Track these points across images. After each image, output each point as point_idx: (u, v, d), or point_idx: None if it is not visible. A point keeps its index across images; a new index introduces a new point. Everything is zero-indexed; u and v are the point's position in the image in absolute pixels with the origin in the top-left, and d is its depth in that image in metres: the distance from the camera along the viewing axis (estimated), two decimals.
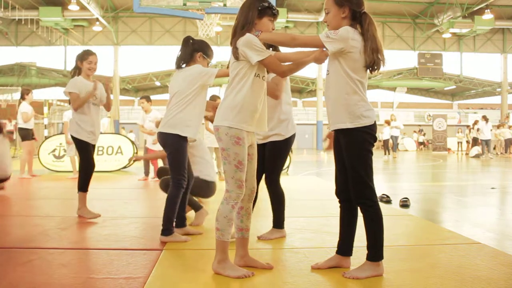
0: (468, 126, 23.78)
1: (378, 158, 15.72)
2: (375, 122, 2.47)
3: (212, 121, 3.01)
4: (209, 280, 2.41)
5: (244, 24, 2.49)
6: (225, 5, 6.72)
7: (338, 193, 2.59)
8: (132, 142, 10.28)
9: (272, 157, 3.26)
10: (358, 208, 2.52)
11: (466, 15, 23.94)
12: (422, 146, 28.11)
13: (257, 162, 2.64)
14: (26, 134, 8.06)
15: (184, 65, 3.30)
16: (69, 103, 4.15)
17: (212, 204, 4.54)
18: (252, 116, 2.47)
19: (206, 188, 4.38)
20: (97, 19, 24.55)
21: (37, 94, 8.68)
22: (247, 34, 2.45)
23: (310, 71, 28.87)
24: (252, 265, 2.57)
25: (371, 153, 2.46)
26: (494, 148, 19.78)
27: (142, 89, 32.58)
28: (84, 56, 4.13)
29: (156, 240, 3.23)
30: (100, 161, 9.57)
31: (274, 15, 2.54)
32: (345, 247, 2.58)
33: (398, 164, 13.44)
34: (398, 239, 3.36)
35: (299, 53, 2.54)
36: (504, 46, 30.25)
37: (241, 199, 2.50)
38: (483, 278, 2.40)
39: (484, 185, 7.46)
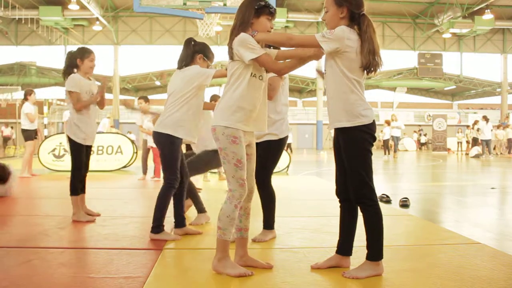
0: (468, 126, 23.80)
1: (378, 158, 15.73)
2: (374, 121, 2.46)
3: None
4: (208, 279, 2.40)
5: (241, 23, 2.49)
6: (225, 4, 6.72)
7: (338, 192, 2.59)
8: (132, 142, 10.28)
9: (264, 157, 3.23)
10: (358, 207, 2.52)
11: (466, 15, 23.95)
12: (423, 146, 28.12)
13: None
14: (30, 135, 8.08)
15: (184, 66, 3.32)
16: (71, 101, 4.02)
17: (214, 204, 4.53)
18: (249, 115, 2.47)
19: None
20: (97, 19, 24.56)
21: (37, 94, 8.69)
22: (241, 34, 2.44)
23: (310, 71, 28.85)
24: (251, 264, 2.57)
25: (371, 153, 2.46)
26: (494, 148, 19.78)
27: (142, 88, 32.59)
28: (85, 54, 4.03)
29: (155, 240, 3.22)
30: (100, 161, 9.58)
31: (271, 13, 2.53)
32: (345, 246, 2.58)
33: (398, 164, 13.44)
34: (398, 239, 3.36)
35: (297, 50, 2.54)
36: (504, 46, 30.26)
37: (243, 198, 2.50)
38: (483, 278, 2.40)
39: (484, 185, 7.46)
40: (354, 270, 2.46)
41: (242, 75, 2.45)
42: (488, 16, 23.79)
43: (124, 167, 9.86)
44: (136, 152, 10.08)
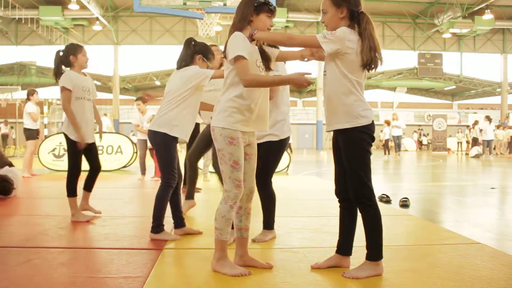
0: (468, 126, 23.80)
1: (378, 158, 15.72)
2: (373, 121, 2.46)
3: None
4: (208, 279, 2.40)
5: (239, 20, 2.47)
6: (225, 4, 6.73)
7: (338, 193, 2.59)
8: (132, 142, 10.28)
9: (265, 158, 3.22)
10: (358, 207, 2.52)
11: (466, 15, 23.96)
12: (424, 146, 28.11)
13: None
14: (32, 134, 8.10)
15: (184, 67, 3.32)
16: (62, 98, 3.92)
17: (215, 205, 4.53)
18: (247, 116, 2.45)
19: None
20: (97, 19, 24.56)
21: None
22: (235, 33, 2.43)
23: (309, 71, 28.82)
24: (251, 264, 2.57)
25: (370, 153, 2.46)
26: (494, 148, 19.80)
27: (142, 88, 32.57)
28: (78, 49, 3.99)
29: (155, 240, 3.22)
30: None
31: (271, 11, 2.50)
32: (344, 246, 2.58)
33: (398, 164, 13.44)
34: (398, 239, 3.36)
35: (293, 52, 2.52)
36: (504, 46, 30.26)
37: (239, 199, 2.50)
38: (483, 278, 2.40)
39: (484, 185, 7.46)
40: (354, 270, 2.46)
41: (233, 75, 2.43)
42: (488, 16, 23.79)
43: (124, 167, 9.86)
44: (136, 152, 10.07)
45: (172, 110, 3.21)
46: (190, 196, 4.35)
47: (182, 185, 3.86)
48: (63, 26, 26.33)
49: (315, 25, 27.51)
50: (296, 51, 2.68)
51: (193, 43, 3.39)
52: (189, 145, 5.65)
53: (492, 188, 6.96)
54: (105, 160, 9.70)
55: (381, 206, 2.51)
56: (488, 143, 16.89)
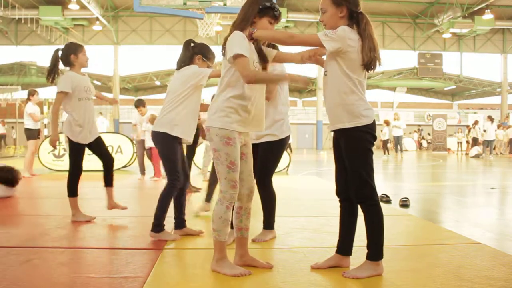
0: (468, 126, 23.79)
1: (378, 158, 15.71)
2: (374, 121, 2.47)
3: None
4: (208, 279, 2.40)
5: (241, 20, 2.45)
6: (225, 4, 6.72)
7: (338, 192, 2.59)
8: (132, 142, 10.27)
9: (265, 158, 3.22)
10: (358, 207, 2.51)
11: (466, 15, 23.95)
12: (424, 148, 28.12)
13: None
14: (32, 134, 8.11)
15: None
16: (56, 100, 3.90)
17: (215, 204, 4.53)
18: (244, 116, 2.44)
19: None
20: (97, 18, 24.54)
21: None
22: (234, 32, 2.40)
23: (310, 70, 28.86)
24: (252, 264, 2.57)
25: (372, 152, 2.46)
26: (494, 148, 19.81)
27: (142, 88, 32.59)
28: (78, 48, 3.94)
29: (155, 240, 3.22)
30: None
31: (275, 17, 2.48)
32: (345, 246, 2.58)
33: (398, 164, 13.43)
34: (398, 239, 3.36)
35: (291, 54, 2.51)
36: (504, 46, 30.25)
37: (237, 199, 2.50)
38: (483, 278, 2.40)
39: (484, 185, 7.46)
40: (354, 270, 2.46)
41: (236, 75, 2.41)
42: (488, 16, 23.79)
43: (124, 167, 9.86)
44: (136, 152, 10.07)
45: (172, 110, 3.22)
46: (208, 198, 4.37)
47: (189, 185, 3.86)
48: (63, 26, 26.32)
49: (315, 25, 27.49)
50: (295, 53, 2.66)
51: (192, 44, 3.40)
52: (189, 147, 5.64)
53: (492, 188, 6.96)
54: None
55: (381, 206, 2.51)
56: (488, 143, 16.88)
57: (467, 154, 20.24)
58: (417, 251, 3.01)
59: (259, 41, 2.50)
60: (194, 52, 3.36)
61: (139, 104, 7.86)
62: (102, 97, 4.44)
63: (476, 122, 19.78)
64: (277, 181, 3.34)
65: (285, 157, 9.20)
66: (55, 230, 3.59)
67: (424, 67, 29.13)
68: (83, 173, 4.07)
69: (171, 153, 3.24)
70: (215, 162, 2.47)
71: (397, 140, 16.29)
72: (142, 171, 7.96)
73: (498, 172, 10.98)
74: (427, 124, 30.48)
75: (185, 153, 3.86)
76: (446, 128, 23.41)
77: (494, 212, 4.96)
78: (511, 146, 19.22)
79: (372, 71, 2.45)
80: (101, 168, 4.16)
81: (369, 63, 2.39)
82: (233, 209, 2.55)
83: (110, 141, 9.98)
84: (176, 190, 3.27)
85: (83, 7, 22.10)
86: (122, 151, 9.96)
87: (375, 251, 2.44)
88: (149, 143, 7.85)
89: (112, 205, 4.15)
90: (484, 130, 17.05)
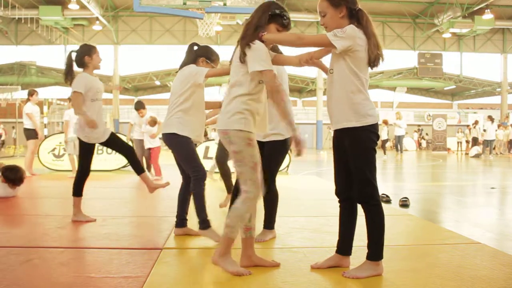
0: (468, 126, 23.79)
1: (378, 158, 15.65)
2: (377, 121, 2.48)
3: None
4: (208, 279, 2.41)
5: (256, 26, 2.46)
6: (225, 4, 6.72)
7: (338, 192, 2.59)
8: (132, 141, 10.27)
9: (270, 157, 3.23)
10: (358, 207, 2.52)
11: (466, 15, 23.95)
12: (424, 148, 28.15)
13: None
14: (31, 134, 8.11)
15: None
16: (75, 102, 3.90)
17: (215, 204, 4.52)
18: (255, 119, 2.49)
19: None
20: (97, 18, 24.54)
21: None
22: (258, 43, 2.41)
23: (310, 70, 28.85)
24: (260, 264, 2.57)
25: (375, 152, 2.47)
26: (494, 148, 19.81)
27: (142, 88, 32.57)
28: (92, 49, 3.99)
29: (155, 240, 3.22)
30: (100, 160, 9.58)
31: (283, 25, 2.50)
32: (344, 246, 2.58)
33: (398, 164, 13.43)
34: (398, 238, 3.36)
35: (290, 57, 2.57)
36: (504, 46, 30.25)
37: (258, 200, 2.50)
38: (482, 278, 2.40)
39: (484, 185, 7.46)
40: (354, 270, 2.46)
41: (249, 80, 2.44)
42: (488, 16, 23.78)
43: (124, 166, 9.86)
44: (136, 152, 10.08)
45: (178, 111, 3.23)
46: (229, 190, 4.51)
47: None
48: (63, 26, 26.31)
49: (315, 25, 27.49)
50: (293, 56, 2.66)
51: (195, 47, 3.44)
52: None
53: (492, 188, 6.96)
54: (105, 160, 9.71)
55: (382, 206, 2.51)
56: (489, 143, 16.87)
57: (467, 154, 20.24)
58: (417, 251, 3.01)
59: (265, 44, 2.50)
60: (198, 55, 3.39)
61: (139, 106, 7.93)
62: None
63: (476, 122, 19.79)
64: (277, 181, 3.34)
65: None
66: (55, 230, 3.59)
67: (424, 67, 29.12)
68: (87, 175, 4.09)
69: (187, 149, 3.25)
70: (237, 165, 2.46)
71: (398, 140, 16.05)
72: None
73: (498, 172, 10.99)
74: (427, 124, 30.48)
75: None
76: (446, 128, 23.41)
77: (494, 212, 4.96)
78: (510, 146, 19.21)
79: (375, 68, 2.45)
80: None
81: (374, 60, 2.40)
82: None
83: None
84: (203, 181, 3.25)
85: (83, 7, 22.10)
86: None
87: (375, 251, 2.44)
88: (148, 144, 7.89)
89: (153, 187, 3.95)
90: (484, 130, 17.03)
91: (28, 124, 8.05)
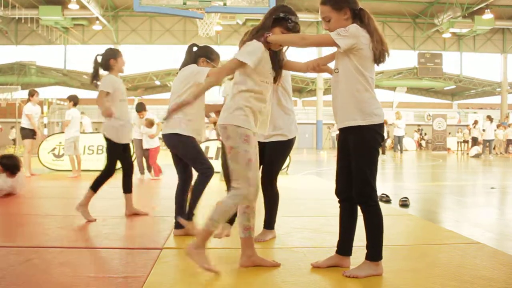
0: (468, 126, 23.79)
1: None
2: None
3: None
4: (208, 279, 2.40)
5: (259, 28, 2.52)
6: (225, 4, 6.72)
7: (338, 192, 2.59)
8: (132, 141, 10.28)
9: (272, 157, 3.23)
10: (358, 207, 2.52)
11: (466, 15, 23.96)
12: (424, 147, 28.16)
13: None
14: (27, 133, 8.10)
15: None
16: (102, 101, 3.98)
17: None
18: (257, 117, 2.50)
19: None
20: (97, 18, 24.55)
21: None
22: (255, 41, 2.46)
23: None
24: (260, 264, 2.57)
25: (378, 153, 2.47)
26: (494, 148, 19.81)
27: (142, 88, 32.55)
28: (117, 52, 4.11)
29: (155, 240, 3.22)
30: (100, 160, 9.57)
31: (288, 29, 2.52)
32: (344, 246, 2.58)
33: (398, 164, 13.43)
34: (398, 238, 3.36)
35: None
36: (504, 46, 30.26)
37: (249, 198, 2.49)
38: (482, 277, 2.40)
39: (484, 185, 7.47)
40: (354, 269, 2.46)
41: (250, 77, 2.46)
42: (488, 16, 23.80)
43: None
44: (133, 153, 10.09)
45: (179, 111, 3.22)
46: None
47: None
48: (63, 26, 26.32)
49: (315, 24, 27.51)
50: (301, 63, 2.73)
51: (194, 48, 3.45)
52: None
53: (492, 188, 6.96)
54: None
55: (381, 206, 2.51)
56: (488, 143, 16.86)
57: (467, 154, 20.24)
58: (417, 251, 3.01)
59: (272, 46, 2.52)
60: (198, 55, 3.40)
61: (141, 108, 8.00)
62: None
63: (476, 122, 19.79)
64: (277, 181, 3.35)
65: None
66: (55, 230, 3.59)
67: (424, 67, 29.14)
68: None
69: (194, 151, 3.28)
70: (231, 160, 2.47)
71: (398, 140, 15.98)
72: (141, 170, 7.99)
73: (498, 172, 10.99)
74: (427, 124, 30.48)
75: None
76: (446, 128, 23.41)
77: (494, 212, 4.97)
78: (507, 146, 19.20)
79: (382, 64, 2.45)
80: (100, 168, 4.18)
81: (379, 56, 2.40)
82: None
83: None
84: (209, 179, 3.28)
85: (83, 6, 22.10)
86: None
87: (374, 252, 2.44)
88: (146, 145, 7.93)
89: (132, 211, 4.22)
90: (483, 130, 17.03)
91: (25, 124, 8.04)
